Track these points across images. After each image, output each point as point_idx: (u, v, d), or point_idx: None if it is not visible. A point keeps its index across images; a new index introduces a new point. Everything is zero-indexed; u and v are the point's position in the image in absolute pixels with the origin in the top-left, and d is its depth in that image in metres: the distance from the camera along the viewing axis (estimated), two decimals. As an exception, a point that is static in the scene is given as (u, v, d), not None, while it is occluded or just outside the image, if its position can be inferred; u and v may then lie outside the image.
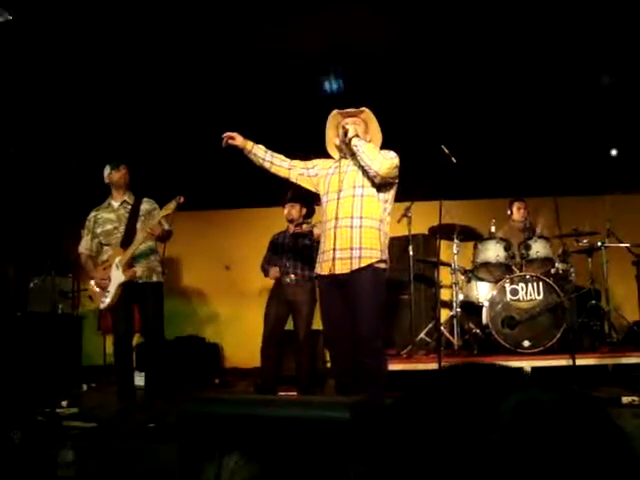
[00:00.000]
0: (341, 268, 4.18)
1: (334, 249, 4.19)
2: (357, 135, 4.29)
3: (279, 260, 6.31)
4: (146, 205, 5.65)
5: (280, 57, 7.08)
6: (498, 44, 6.99)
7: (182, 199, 5.35)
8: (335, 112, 4.49)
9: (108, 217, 5.58)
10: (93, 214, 5.66)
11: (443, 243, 7.22)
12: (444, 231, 6.59)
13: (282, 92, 7.54)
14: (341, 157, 4.48)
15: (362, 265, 4.16)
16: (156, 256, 5.64)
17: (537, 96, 7.69)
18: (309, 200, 6.22)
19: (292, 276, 6.18)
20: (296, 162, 4.61)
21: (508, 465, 1.11)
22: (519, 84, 7.54)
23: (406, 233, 6.54)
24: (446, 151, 5.82)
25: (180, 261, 9.13)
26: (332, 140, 4.55)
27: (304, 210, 6.36)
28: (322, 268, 4.32)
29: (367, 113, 4.48)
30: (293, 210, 6.30)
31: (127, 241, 5.42)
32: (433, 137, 6.19)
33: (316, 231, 6.08)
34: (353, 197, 4.27)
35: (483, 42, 6.98)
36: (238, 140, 4.60)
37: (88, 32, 6.51)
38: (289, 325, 6.33)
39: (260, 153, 4.58)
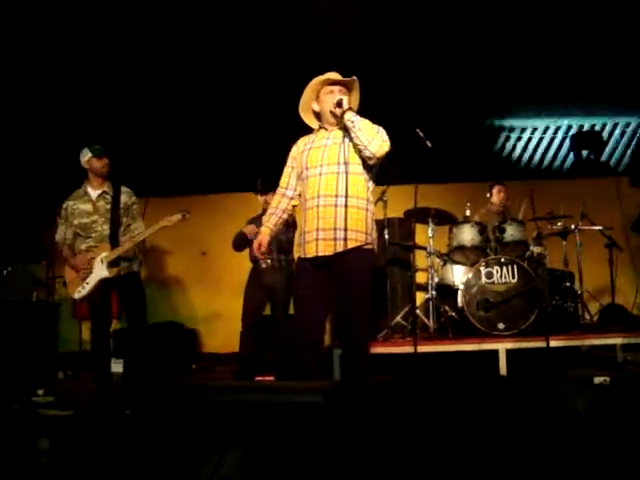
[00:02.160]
0: (324, 250, 3.95)
1: (317, 229, 3.97)
2: (351, 108, 4.02)
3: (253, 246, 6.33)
4: (125, 197, 5.49)
5: (253, 39, 7.04)
6: (466, 30, 7.02)
7: (188, 215, 5.27)
8: (322, 78, 4.15)
9: (84, 208, 5.40)
10: (68, 203, 5.46)
11: (419, 227, 7.24)
12: (419, 215, 6.63)
13: (255, 76, 7.51)
14: (320, 127, 4.24)
15: (348, 247, 3.90)
16: (136, 250, 5.56)
17: (514, 79, 7.73)
18: None
19: (268, 261, 6.19)
20: (286, 189, 4.31)
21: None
22: (491, 64, 7.57)
23: (382, 217, 6.54)
24: (421, 135, 5.84)
25: (156, 247, 9.07)
26: (310, 105, 4.24)
27: None
28: (305, 251, 4.06)
29: (356, 82, 4.18)
30: (269, 198, 6.29)
31: (114, 237, 5.31)
32: (409, 120, 6.21)
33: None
34: (337, 174, 3.98)
35: (453, 27, 7.00)
36: (265, 243, 4.26)
37: (58, 17, 6.44)
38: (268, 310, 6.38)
39: (279, 221, 4.33)
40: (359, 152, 4.00)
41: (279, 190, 4.34)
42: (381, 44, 7.21)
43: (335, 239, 3.92)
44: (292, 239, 6.11)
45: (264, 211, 6.25)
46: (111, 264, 5.26)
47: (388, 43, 7.22)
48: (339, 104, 3.99)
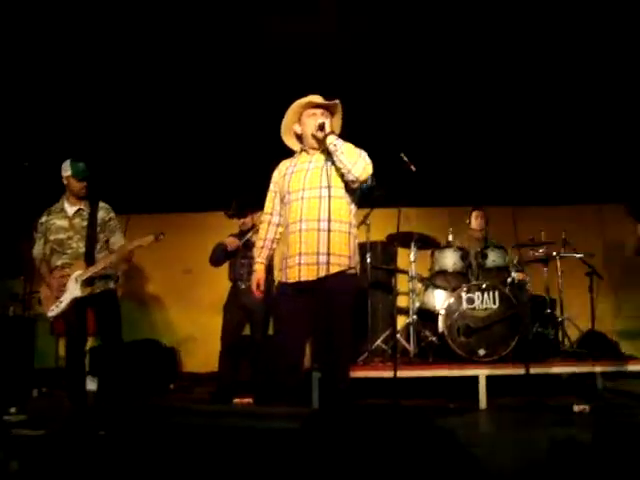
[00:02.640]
0: (306, 275, 3.93)
1: (300, 254, 3.95)
2: (333, 132, 4.01)
3: (233, 265, 6.33)
4: (102, 213, 5.44)
5: (234, 59, 7.03)
6: (454, 53, 7.05)
7: (162, 237, 5.20)
8: (304, 100, 4.15)
9: (61, 225, 5.34)
10: (45, 218, 5.41)
11: (401, 251, 7.27)
12: (402, 239, 6.65)
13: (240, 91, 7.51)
14: (302, 150, 4.22)
15: (331, 272, 3.89)
16: (112, 269, 5.47)
17: (495, 107, 7.76)
18: (257, 204, 6.29)
19: (247, 282, 6.19)
20: (271, 216, 4.30)
21: None
22: (477, 93, 7.61)
23: (364, 240, 6.53)
24: (405, 159, 5.85)
25: (138, 265, 9.01)
26: (291, 128, 4.24)
27: (257, 216, 6.38)
28: (287, 276, 4.03)
29: (338, 105, 4.18)
30: (246, 220, 6.32)
31: (89, 255, 5.26)
32: (392, 144, 6.22)
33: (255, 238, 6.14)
34: (319, 198, 3.96)
35: (439, 51, 7.03)
36: (262, 281, 4.25)
37: (36, 27, 6.40)
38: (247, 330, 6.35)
39: (271, 253, 4.32)
40: (342, 176, 3.99)
41: (265, 217, 4.32)
42: (364, 66, 7.23)
43: (318, 264, 3.90)
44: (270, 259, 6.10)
45: (240, 231, 6.28)
46: (85, 283, 5.19)
47: (371, 65, 7.23)
48: (321, 127, 3.98)
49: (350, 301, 4.01)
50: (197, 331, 8.61)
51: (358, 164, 3.91)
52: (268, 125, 4.57)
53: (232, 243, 6.24)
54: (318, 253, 3.90)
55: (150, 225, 8.00)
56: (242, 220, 6.34)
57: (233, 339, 6.28)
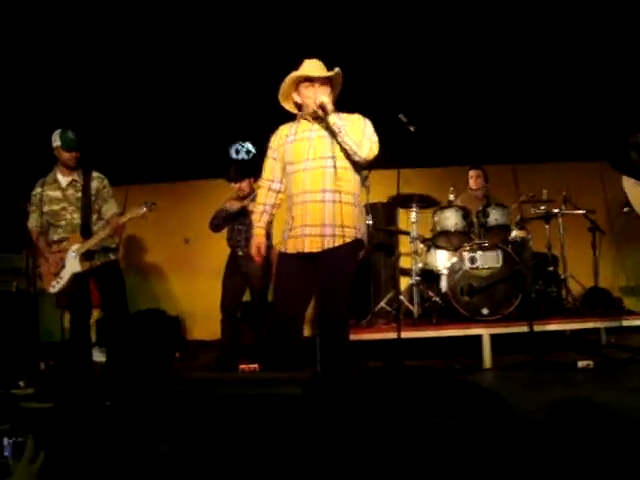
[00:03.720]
0: (310, 246, 3.88)
1: (304, 225, 3.89)
2: (335, 110, 3.89)
3: (231, 231, 6.34)
4: (96, 182, 5.34)
5: (226, 20, 6.93)
6: (452, 10, 6.95)
7: (154, 206, 5.11)
8: (300, 74, 3.99)
9: (54, 195, 5.25)
10: (38, 190, 5.30)
11: (402, 212, 7.26)
12: (403, 200, 6.63)
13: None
14: (301, 117, 4.10)
15: (335, 244, 3.85)
16: (111, 239, 5.41)
17: (495, 63, 7.68)
18: (255, 171, 6.28)
19: (245, 248, 6.22)
20: (271, 182, 4.18)
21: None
22: (476, 50, 7.51)
23: (365, 202, 6.50)
24: (404, 120, 5.79)
25: (139, 236, 9.02)
26: (290, 95, 4.09)
27: (253, 181, 6.38)
28: (287, 246, 3.99)
29: (338, 75, 4.02)
30: (243, 185, 6.31)
31: (86, 228, 5.20)
32: (391, 105, 6.17)
33: (250, 207, 6.06)
34: (324, 169, 3.88)
35: (440, 9, 6.93)
36: (263, 246, 4.22)
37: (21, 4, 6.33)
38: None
39: (271, 219, 4.31)
40: (347, 154, 3.90)
41: (264, 183, 4.21)
42: (362, 26, 7.13)
43: (324, 235, 3.85)
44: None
45: (238, 198, 6.28)
46: (84, 257, 5.16)
47: (369, 25, 7.13)
48: (322, 107, 3.87)
49: (352, 269, 3.97)
50: (200, 298, 8.61)
51: (364, 145, 3.85)
52: (266, 91, 4.49)
53: (233, 205, 6.25)
54: (323, 225, 3.85)
55: (148, 195, 7.99)
56: (239, 185, 6.33)
57: (233, 305, 6.34)
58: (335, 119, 3.84)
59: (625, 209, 5.51)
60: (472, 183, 7.53)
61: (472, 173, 7.56)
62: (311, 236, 3.87)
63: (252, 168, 6.35)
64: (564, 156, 8.60)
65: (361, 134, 3.87)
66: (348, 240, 3.88)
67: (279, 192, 4.17)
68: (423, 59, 7.59)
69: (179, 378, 2.69)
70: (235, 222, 6.32)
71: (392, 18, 7.04)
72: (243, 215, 6.27)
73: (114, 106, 8.00)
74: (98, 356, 6.25)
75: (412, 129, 5.76)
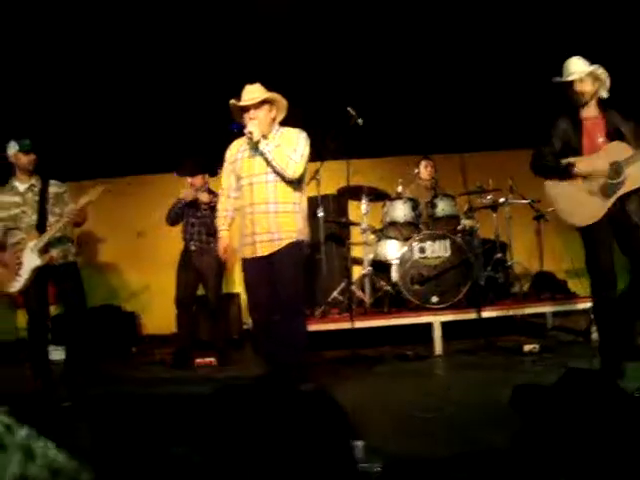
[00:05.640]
0: (262, 251, 4.46)
1: (254, 233, 4.46)
2: (264, 136, 4.42)
3: (184, 226, 6.40)
4: (54, 188, 5.48)
5: (182, 19, 6.94)
6: (401, 3, 7.04)
7: (108, 187, 5.30)
8: (233, 103, 4.48)
9: (12, 200, 5.33)
10: None
11: (353, 203, 7.37)
12: (353, 192, 6.75)
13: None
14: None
15: (282, 246, 4.45)
16: (69, 238, 5.52)
17: (442, 54, 7.78)
18: (209, 167, 6.36)
19: (197, 243, 6.28)
20: (229, 190, 4.71)
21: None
22: (423, 42, 7.60)
23: (316, 194, 6.59)
24: (352, 112, 5.91)
25: (92, 231, 8.96)
26: (238, 116, 4.57)
27: (206, 178, 6.44)
28: (244, 252, 4.56)
29: (273, 98, 4.51)
30: (196, 180, 6.37)
31: (42, 225, 5.27)
32: (340, 98, 6.26)
33: (200, 198, 6.27)
34: (266, 183, 4.45)
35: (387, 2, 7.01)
36: (229, 247, 4.75)
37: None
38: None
39: (232, 221, 4.75)
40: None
41: (223, 192, 4.76)
42: (313, 25, 7.19)
43: (271, 241, 4.45)
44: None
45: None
46: (42, 251, 5.21)
47: (319, 23, 7.20)
48: (249, 138, 4.40)
49: (299, 265, 4.55)
50: (155, 293, 8.63)
51: (289, 167, 4.39)
52: (215, 87, 4.60)
53: (187, 195, 6.31)
54: (270, 232, 4.44)
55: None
56: (191, 180, 6.39)
57: (187, 300, 6.39)
58: (263, 146, 4.39)
59: (549, 209, 5.79)
60: (423, 173, 7.63)
61: (424, 163, 7.67)
62: (261, 242, 4.46)
63: (206, 164, 6.43)
64: (511, 144, 8.76)
65: (287, 159, 4.40)
66: (291, 242, 4.48)
67: (236, 198, 4.70)
68: (372, 51, 7.66)
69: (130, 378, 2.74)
70: (188, 217, 6.36)
71: (340, 12, 7.11)
72: (195, 208, 6.32)
73: (64, 102, 7.92)
74: (54, 354, 6.25)
75: (360, 122, 5.89)
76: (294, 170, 4.41)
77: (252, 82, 4.55)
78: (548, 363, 5.06)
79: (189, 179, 6.42)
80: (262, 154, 4.41)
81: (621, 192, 4.28)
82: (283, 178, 4.44)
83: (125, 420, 2.29)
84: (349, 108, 5.91)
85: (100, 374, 5.61)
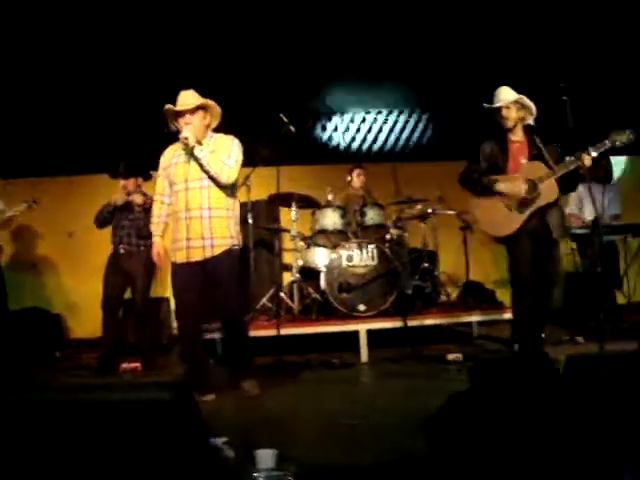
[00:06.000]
0: (194, 256, 4.51)
1: (187, 239, 4.51)
2: (199, 142, 4.50)
3: (113, 229, 6.33)
4: None
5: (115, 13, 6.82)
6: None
7: (35, 205, 5.26)
8: (168, 109, 4.54)
9: None
10: None
11: (283, 210, 7.39)
12: (283, 199, 6.78)
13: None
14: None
15: (215, 253, 4.52)
16: None
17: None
18: (143, 170, 6.31)
19: (126, 246, 6.21)
20: (162, 196, 4.77)
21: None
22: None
23: (246, 200, 6.58)
24: (285, 120, 5.95)
25: (20, 231, 8.76)
26: (172, 121, 4.64)
27: (140, 181, 6.38)
28: (176, 256, 4.60)
29: (207, 104, 4.59)
30: (129, 183, 6.31)
31: None
32: (272, 106, 6.28)
33: (134, 199, 6.20)
34: (200, 189, 4.51)
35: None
36: (163, 252, 4.78)
37: None
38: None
39: (165, 227, 4.82)
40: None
41: (157, 198, 4.80)
42: (246, 25, 7.16)
43: (204, 247, 4.50)
44: (147, 225, 6.14)
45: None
46: None
47: (254, 23, 7.17)
48: (185, 143, 4.45)
49: (235, 271, 4.67)
50: (84, 296, 8.45)
51: (223, 172, 4.49)
52: (150, 91, 4.61)
53: (118, 199, 6.23)
54: (203, 238, 4.49)
55: (30, 189, 7.84)
56: (124, 183, 6.32)
57: (114, 303, 6.30)
58: (197, 152, 4.46)
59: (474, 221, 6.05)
60: (356, 181, 7.72)
61: (356, 172, 7.75)
62: (194, 248, 4.51)
63: (140, 167, 6.39)
64: (442, 155, 8.91)
65: (220, 164, 4.48)
66: (225, 248, 4.56)
67: (169, 204, 4.74)
68: (304, 59, 7.69)
69: (35, 385, 2.69)
70: (119, 219, 6.29)
71: (275, 16, 7.10)
72: (127, 211, 6.25)
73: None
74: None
75: (293, 129, 5.94)
76: (228, 175, 4.50)
77: (186, 88, 4.61)
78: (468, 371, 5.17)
79: (122, 181, 6.34)
80: (196, 159, 4.47)
81: (535, 206, 4.76)
82: (217, 183, 4.51)
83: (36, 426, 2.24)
84: (282, 115, 5.94)
85: (19, 378, 5.51)
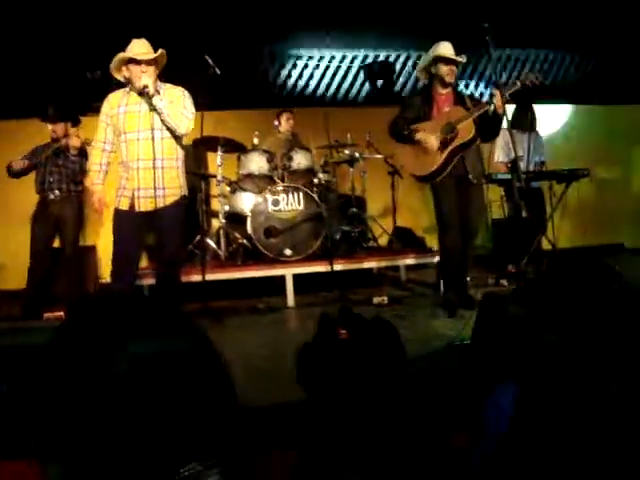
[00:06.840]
0: (145, 206, 4.54)
1: (138, 188, 4.52)
2: (157, 92, 4.48)
3: (41, 175, 6.13)
4: None
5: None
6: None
7: None
8: (125, 56, 4.46)
9: None
10: None
11: (209, 155, 7.28)
12: (208, 143, 6.67)
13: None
14: (131, 90, 4.56)
15: (167, 203, 4.58)
16: None
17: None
18: (73, 115, 6.13)
19: (57, 192, 6.04)
20: (104, 144, 4.68)
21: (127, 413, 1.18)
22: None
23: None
24: (210, 62, 5.82)
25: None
26: (120, 70, 4.56)
27: (69, 125, 6.20)
28: (121, 203, 4.59)
29: (162, 56, 4.54)
30: (58, 128, 6.12)
31: None
32: (198, 47, 6.14)
33: (71, 142, 6.02)
34: (153, 140, 4.45)
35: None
36: (104, 199, 4.72)
37: None
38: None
39: (106, 175, 4.74)
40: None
41: (98, 145, 4.71)
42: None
43: (156, 197, 4.49)
44: (84, 167, 6.01)
45: (52, 140, 6.11)
46: None
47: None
48: (144, 91, 4.41)
49: (181, 221, 4.79)
50: (9, 246, 8.24)
51: (182, 123, 4.52)
52: (81, 33, 4.45)
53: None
54: (155, 188, 4.47)
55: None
56: (53, 127, 6.13)
57: (43, 252, 6.15)
58: (157, 101, 4.43)
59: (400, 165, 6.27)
60: (284, 125, 7.62)
61: (285, 116, 7.65)
62: (145, 197, 4.53)
63: (70, 112, 6.20)
64: (374, 101, 8.86)
65: (179, 114, 4.50)
66: (175, 198, 4.65)
67: (111, 152, 4.71)
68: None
69: None
70: (47, 165, 6.10)
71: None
72: (56, 156, 6.08)
73: None
74: None
75: (218, 71, 5.83)
76: (187, 126, 4.56)
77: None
78: (395, 314, 5.30)
79: (50, 126, 6.15)
80: (155, 109, 4.44)
81: (453, 145, 5.06)
82: (173, 134, 4.55)
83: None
84: (207, 57, 5.82)
85: None
